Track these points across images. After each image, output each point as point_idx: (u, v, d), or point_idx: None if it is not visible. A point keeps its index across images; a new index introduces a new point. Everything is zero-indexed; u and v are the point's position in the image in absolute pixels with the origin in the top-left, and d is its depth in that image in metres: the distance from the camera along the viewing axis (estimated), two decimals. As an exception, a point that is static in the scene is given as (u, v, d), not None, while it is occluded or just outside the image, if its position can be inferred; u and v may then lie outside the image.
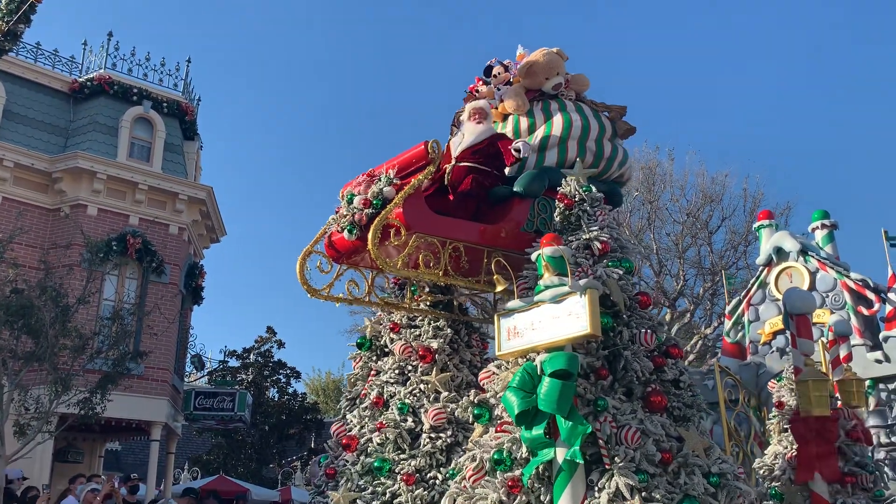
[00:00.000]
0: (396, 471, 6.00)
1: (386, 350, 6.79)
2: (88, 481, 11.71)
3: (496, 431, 5.16)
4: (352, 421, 6.52)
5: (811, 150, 62.13)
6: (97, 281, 15.08)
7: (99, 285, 15.65)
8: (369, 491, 5.99)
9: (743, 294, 13.23)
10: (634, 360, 5.13)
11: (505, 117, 6.93)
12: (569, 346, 4.95)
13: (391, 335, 6.73)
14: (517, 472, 4.87)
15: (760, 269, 13.10)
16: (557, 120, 6.59)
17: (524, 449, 4.90)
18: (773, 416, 7.89)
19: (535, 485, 4.82)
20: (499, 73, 7.04)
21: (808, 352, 7.34)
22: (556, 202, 5.94)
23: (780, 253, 12.78)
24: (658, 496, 4.60)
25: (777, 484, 7.38)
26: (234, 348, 28.38)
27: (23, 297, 12.43)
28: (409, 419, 6.23)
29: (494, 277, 5.48)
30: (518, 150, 6.26)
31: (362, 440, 6.30)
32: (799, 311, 7.40)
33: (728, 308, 13.38)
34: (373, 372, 6.73)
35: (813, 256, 12.46)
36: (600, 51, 64.67)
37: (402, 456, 6.08)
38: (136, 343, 15.81)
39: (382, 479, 6.00)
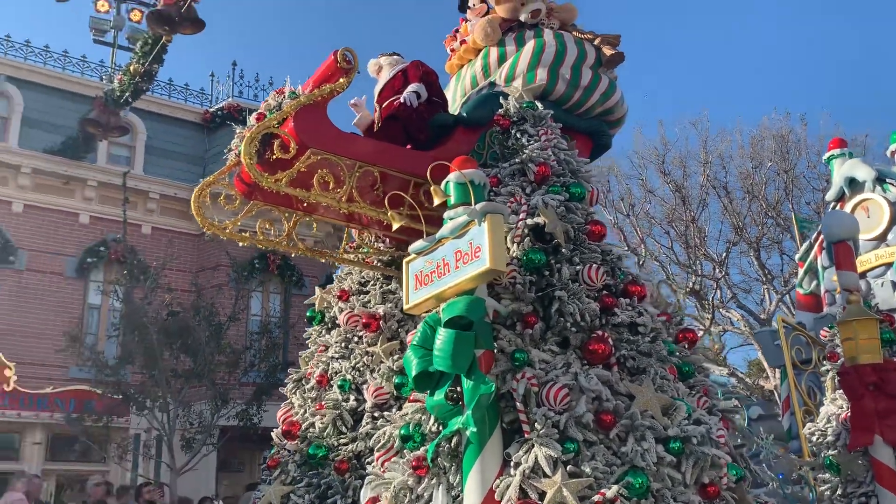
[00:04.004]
0: (333, 458, 5.15)
1: (338, 323, 5.95)
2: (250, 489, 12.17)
3: (408, 401, 4.24)
4: (296, 404, 5.72)
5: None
6: (244, 298, 16.28)
7: (246, 302, 16.86)
8: (304, 483, 5.17)
9: (814, 237, 11.42)
10: (571, 302, 4.07)
11: (478, 52, 6.22)
12: (482, 289, 3.96)
13: (340, 304, 5.89)
14: (424, 450, 3.93)
15: (833, 205, 11.23)
16: (529, 46, 5.85)
17: (433, 420, 3.96)
18: (826, 370, 6.55)
19: (445, 463, 3.86)
20: (474, 5, 6.33)
21: (851, 286, 5.97)
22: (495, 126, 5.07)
23: (853, 184, 10.85)
24: (589, 469, 3.55)
25: (833, 452, 6.05)
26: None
27: (179, 318, 13.45)
28: (352, 398, 5.36)
29: (389, 214, 4.51)
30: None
31: (304, 425, 5.49)
32: (837, 238, 6.05)
33: (798, 255, 11.53)
34: (321, 348, 5.90)
35: (892, 184, 10.56)
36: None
37: (342, 440, 5.23)
38: (284, 354, 16.46)
39: (319, 469, 5.18)
